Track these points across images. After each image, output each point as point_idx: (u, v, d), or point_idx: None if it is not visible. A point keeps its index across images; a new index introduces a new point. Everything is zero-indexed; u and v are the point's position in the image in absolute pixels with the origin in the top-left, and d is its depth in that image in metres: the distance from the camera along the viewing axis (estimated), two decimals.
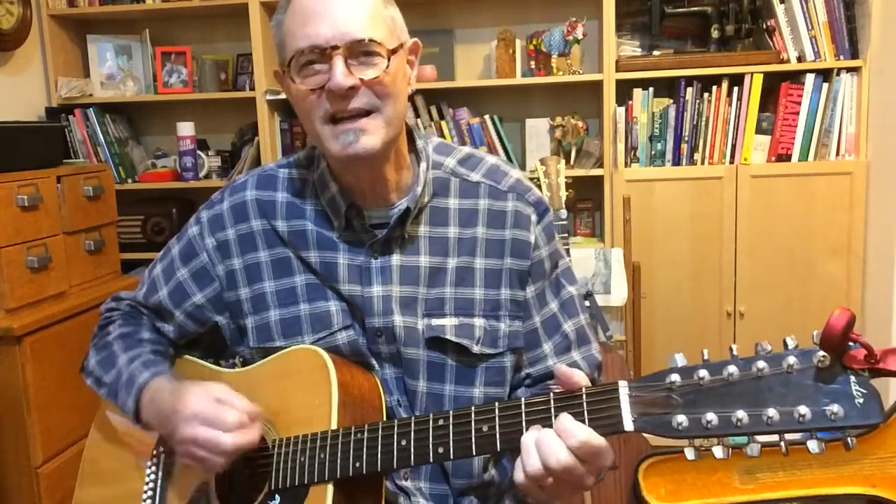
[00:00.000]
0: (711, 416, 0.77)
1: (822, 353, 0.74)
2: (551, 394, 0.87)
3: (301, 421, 1.01)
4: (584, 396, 0.85)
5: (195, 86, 3.02)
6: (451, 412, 0.91)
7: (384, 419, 1.03)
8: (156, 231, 2.94)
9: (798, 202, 2.67)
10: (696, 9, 2.77)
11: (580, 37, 2.72)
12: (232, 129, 3.10)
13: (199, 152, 2.98)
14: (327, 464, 0.96)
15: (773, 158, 2.72)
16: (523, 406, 0.88)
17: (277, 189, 1.14)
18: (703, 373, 0.79)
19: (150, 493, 1.12)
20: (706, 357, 0.81)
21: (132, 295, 1.22)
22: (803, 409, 0.74)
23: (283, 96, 2.84)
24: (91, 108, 2.96)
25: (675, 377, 0.80)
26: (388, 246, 1.08)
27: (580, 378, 0.87)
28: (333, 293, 1.09)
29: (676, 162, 2.76)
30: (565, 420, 0.84)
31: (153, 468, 1.14)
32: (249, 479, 1.07)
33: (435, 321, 1.07)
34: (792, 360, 0.76)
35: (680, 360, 0.81)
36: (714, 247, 2.72)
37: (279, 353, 1.08)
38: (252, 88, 2.91)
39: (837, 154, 2.69)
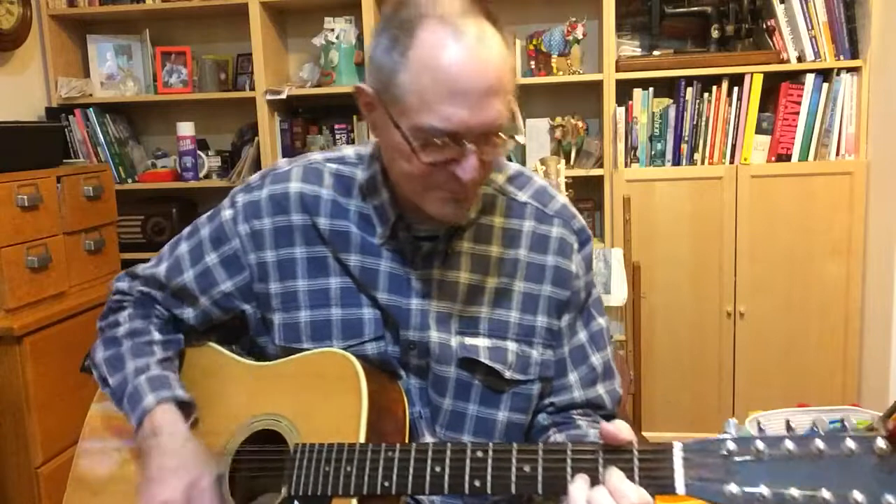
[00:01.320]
0: (765, 491, 0.75)
1: (884, 443, 0.73)
2: (601, 447, 0.85)
3: (326, 428, 0.98)
4: (635, 453, 0.83)
5: (195, 86, 3.02)
6: (490, 445, 0.89)
7: (407, 431, 1.02)
8: (156, 231, 2.94)
9: (798, 202, 2.67)
10: (696, 9, 2.77)
11: (580, 37, 2.72)
12: (232, 129, 3.10)
13: (199, 152, 2.98)
14: (354, 478, 0.94)
15: (773, 158, 2.71)
16: (569, 452, 0.86)
17: (323, 185, 1.08)
18: (761, 445, 0.76)
19: None
20: (762, 427, 0.79)
21: (150, 272, 1.16)
22: (858, 496, 0.72)
23: (282, 96, 2.84)
24: (91, 108, 2.96)
25: (732, 446, 0.78)
26: (429, 258, 1.05)
27: (627, 433, 0.84)
28: (369, 300, 1.06)
29: (676, 162, 2.76)
30: (617, 479, 0.82)
31: None
32: (265, 479, 1.05)
33: (469, 340, 1.05)
34: (852, 444, 0.74)
35: (733, 426, 0.80)
36: (714, 247, 2.72)
37: (308, 352, 1.06)
38: (252, 88, 2.91)
39: (837, 154, 2.69)
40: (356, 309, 1.06)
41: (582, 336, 1.11)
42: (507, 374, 1.05)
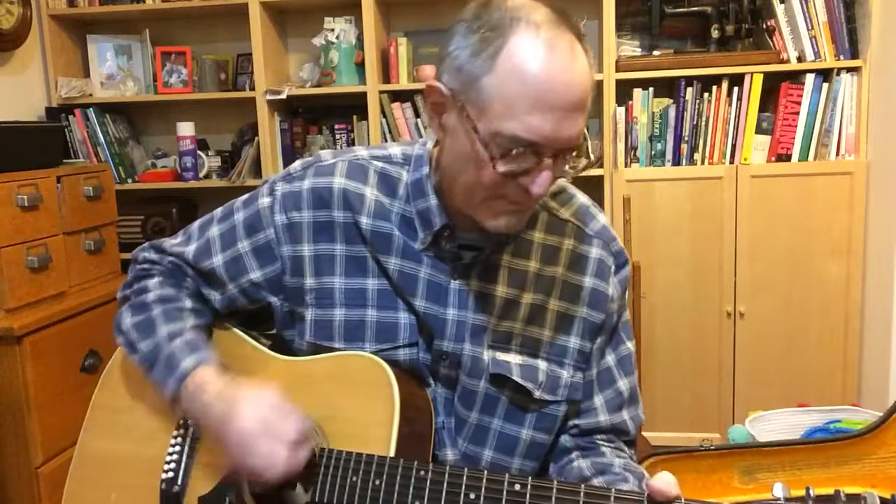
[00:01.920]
0: None
1: None
2: (646, 496, 0.83)
3: (355, 436, 0.97)
4: None
5: (195, 86, 3.02)
6: (530, 479, 0.87)
7: (433, 441, 1.01)
8: (156, 231, 2.94)
9: (798, 202, 2.67)
10: (696, 9, 2.77)
11: None
12: (232, 129, 3.10)
13: (199, 152, 2.98)
14: (382, 493, 0.92)
15: (773, 158, 2.71)
16: (613, 497, 0.84)
17: (367, 183, 1.05)
18: None
19: (173, 465, 1.08)
20: (812, 494, 0.78)
21: (179, 250, 1.13)
22: None
23: (282, 96, 2.84)
24: (91, 108, 2.96)
25: None
26: (468, 269, 1.04)
27: (675, 490, 0.82)
28: (405, 305, 1.04)
29: (676, 162, 2.76)
30: None
31: (178, 439, 1.09)
32: (287, 479, 1.03)
33: (500, 355, 1.03)
34: None
35: (781, 491, 0.79)
36: (714, 247, 2.72)
37: (339, 353, 1.04)
38: (252, 88, 2.91)
39: (837, 154, 2.69)
40: (392, 312, 1.05)
41: (610, 360, 1.10)
42: (537, 394, 1.04)
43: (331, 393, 1.02)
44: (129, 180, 3.02)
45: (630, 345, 1.12)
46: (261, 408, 0.96)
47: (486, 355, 1.03)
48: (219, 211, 1.14)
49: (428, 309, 1.03)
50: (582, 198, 1.11)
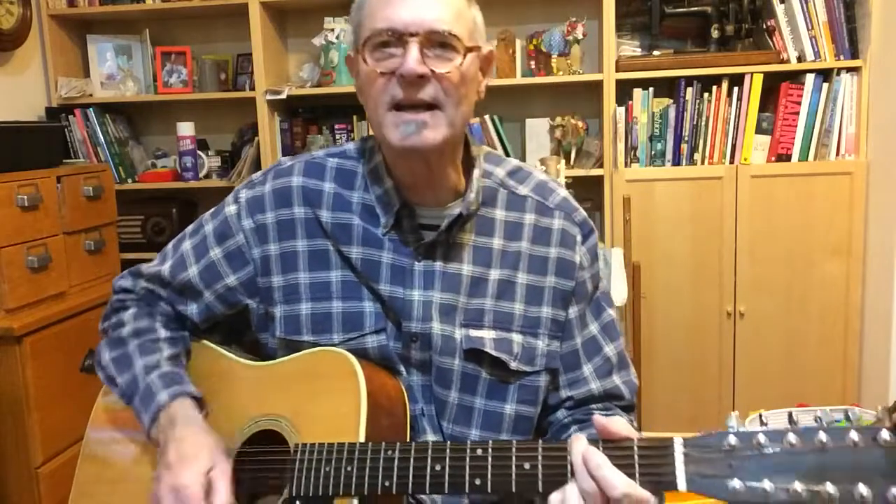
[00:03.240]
0: (768, 486, 0.74)
1: (889, 435, 0.71)
2: (600, 442, 0.84)
3: (326, 428, 0.98)
4: (635, 450, 0.82)
5: (195, 86, 3.02)
6: (490, 443, 0.89)
7: (408, 428, 1.02)
8: (156, 231, 2.94)
9: (798, 202, 2.67)
10: (696, 9, 2.77)
11: (580, 37, 2.72)
12: (232, 129, 3.10)
13: (199, 152, 2.98)
14: (354, 478, 0.93)
15: (773, 158, 2.71)
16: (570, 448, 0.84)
17: (325, 178, 1.11)
18: (763, 439, 0.75)
19: None
20: (765, 421, 0.78)
21: (154, 271, 1.16)
22: (863, 490, 0.71)
23: (282, 96, 2.84)
24: (91, 108, 2.96)
25: (734, 440, 0.77)
26: (432, 250, 1.06)
27: (619, 427, 0.84)
28: (370, 293, 1.07)
29: (676, 162, 2.76)
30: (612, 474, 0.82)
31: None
32: (266, 479, 1.05)
33: (473, 332, 1.05)
34: (856, 436, 0.73)
35: (735, 420, 0.79)
36: (714, 247, 2.72)
37: (306, 351, 1.07)
38: (252, 88, 2.91)
39: (837, 154, 2.69)
40: (357, 302, 1.07)
41: (593, 328, 1.12)
42: (513, 365, 1.05)
43: (302, 391, 1.04)
44: (129, 180, 3.02)
45: (612, 312, 1.14)
46: (204, 473, 0.97)
47: (459, 333, 1.05)
48: (190, 227, 1.18)
49: (393, 293, 1.05)
50: (539, 175, 1.14)
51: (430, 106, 0.98)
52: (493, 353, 1.05)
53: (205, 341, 1.18)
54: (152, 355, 1.11)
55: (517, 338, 1.06)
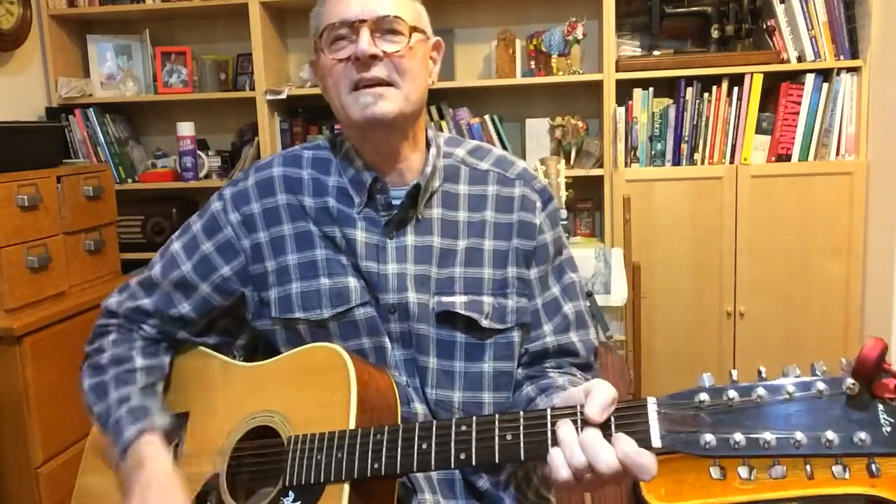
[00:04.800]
0: (739, 437, 0.77)
1: (851, 381, 0.75)
2: (578, 406, 0.86)
3: (318, 419, 1.01)
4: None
5: (195, 86, 3.02)
6: (474, 418, 0.92)
7: (399, 418, 1.04)
8: (156, 231, 2.94)
9: (798, 202, 2.67)
10: (696, 9, 2.77)
11: (580, 37, 2.72)
12: (232, 129, 3.10)
13: (199, 152, 2.98)
14: (345, 463, 0.96)
15: (773, 158, 2.72)
16: (549, 417, 0.88)
17: (303, 167, 1.19)
18: (733, 393, 0.78)
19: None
20: (735, 378, 0.80)
21: (143, 277, 1.20)
22: (831, 435, 0.74)
23: (282, 96, 2.84)
24: (91, 108, 2.96)
25: (704, 396, 0.80)
26: (403, 226, 1.13)
27: (579, 395, 0.87)
28: (353, 269, 1.12)
29: (676, 162, 2.76)
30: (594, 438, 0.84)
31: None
32: (262, 473, 1.06)
33: (445, 298, 1.10)
34: (821, 385, 0.77)
35: (708, 380, 0.81)
36: (714, 247, 2.72)
37: (296, 349, 1.10)
38: (252, 88, 2.91)
39: (837, 154, 2.69)
40: (343, 277, 1.12)
41: (555, 290, 1.17)
42: (485, 323, 1.10)
43: (295, 386, 1.06)
44: (129, 180, 3.02)
45: (574, 276, 1.20)
46: None
47: (432, 301, 1.10)
48: (176, 233, 1.23)
49: (370, 268, 1.11)
50: (498, 151, 1.22)
51: (386, 84, 1.07)
52: (464, 312, 1.09)
53: (200, 348, 1.21)
54: (125, 387, 1.14)
55: (488, 299, 1.11)
